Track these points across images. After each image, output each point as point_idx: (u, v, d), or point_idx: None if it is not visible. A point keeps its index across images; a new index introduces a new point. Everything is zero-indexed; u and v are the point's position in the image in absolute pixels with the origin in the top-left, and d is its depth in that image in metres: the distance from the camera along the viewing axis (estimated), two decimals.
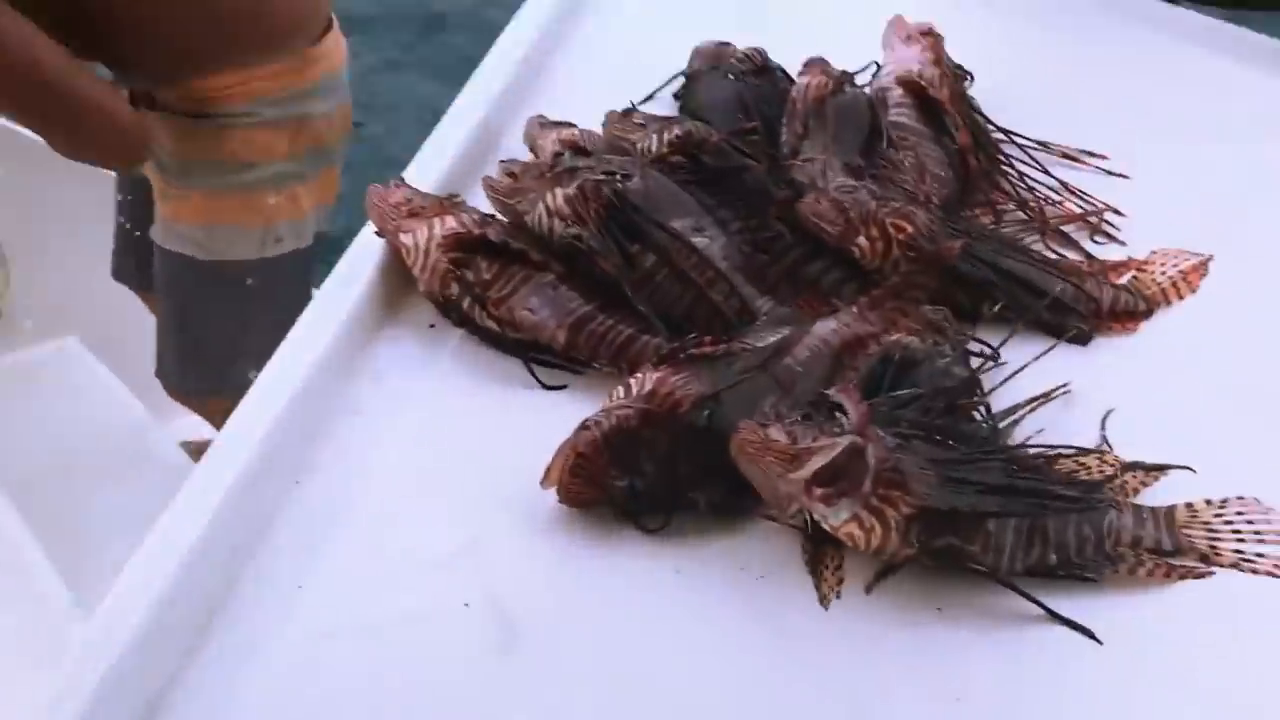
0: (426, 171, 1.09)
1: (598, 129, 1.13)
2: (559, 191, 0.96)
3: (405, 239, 0.96)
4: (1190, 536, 0.81)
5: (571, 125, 1.13)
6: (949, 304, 0.98)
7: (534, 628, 0.76)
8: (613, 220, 0.95)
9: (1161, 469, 0.85)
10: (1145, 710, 0.73)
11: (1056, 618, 0.77)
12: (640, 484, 0.81)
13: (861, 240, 0.98)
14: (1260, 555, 0.80)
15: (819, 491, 0.76)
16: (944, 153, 1.11)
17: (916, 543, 0.76)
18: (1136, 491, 0.85)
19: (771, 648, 0.76)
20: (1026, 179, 1.12)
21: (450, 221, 0.96)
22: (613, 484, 0.81)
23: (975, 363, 0.92)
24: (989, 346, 0.94)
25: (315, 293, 0.96)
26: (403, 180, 1.01)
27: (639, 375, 0.85)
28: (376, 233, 1.00)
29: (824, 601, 0.78)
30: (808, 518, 0.77)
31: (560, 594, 0.78)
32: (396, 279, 1.00)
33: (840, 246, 0.99)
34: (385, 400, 0.92)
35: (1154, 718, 0.73)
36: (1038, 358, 0.92)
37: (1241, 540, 0.81)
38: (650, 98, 1.25)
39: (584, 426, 0.81)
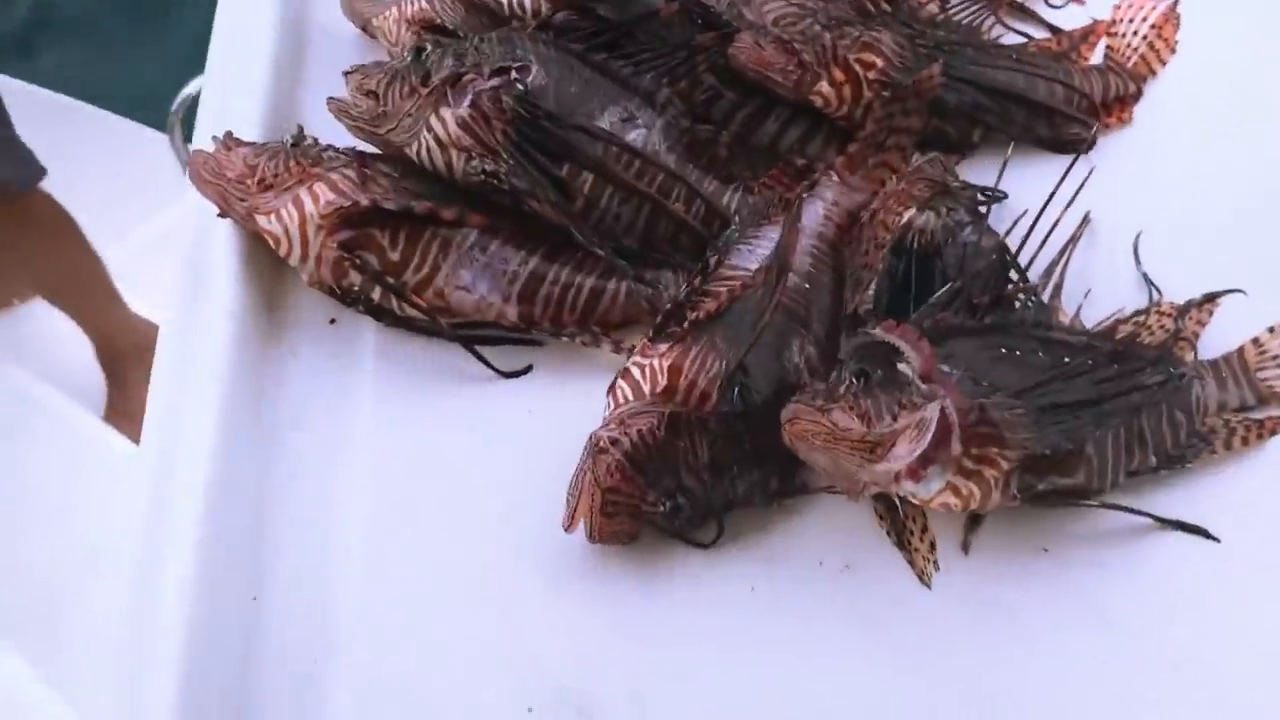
0: (234, 98, 0.82)
1: None
2: (448, 114, 0.74)
3: (269, 224, 0.73)
4: (1267, 380, 0.74)
5: None
6: (935, 140, 0.83)
7: (615, 710, 0.63)
8: (527, 139, 0.74)
9: (1213, 300, 0.76)
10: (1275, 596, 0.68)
11: (1168, 524, 0.69)
12: (685, 502, 0.66)
13: (824, 88, 0.80)
14: None
15: (906, 468, 0.64)
16: None
17: (1019, 493, 0.66)
18: (1197, 335, 0.76)
19: (890, 651, 0.65)
20: None
21: (323, 191, 0.72)
22: (653, 510, 0.66)
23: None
24: (995, 192, 0.80)
25: (161, 322, 0.73)
26: (234, 137, 0.75)
27: (643, 362, 0.68)
28: (220, 215, 0.75)
29: (924, 578, 0.67)
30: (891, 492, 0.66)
31: (628, 656, 0.65)
32: (265, 269, 0.77)
33: (797, 98, 0.81)
34: (312, 444, 0.72)
35: None
36: (1053, 198, 0.79)
37: None
38: None
39: (599, 448, 0.65)
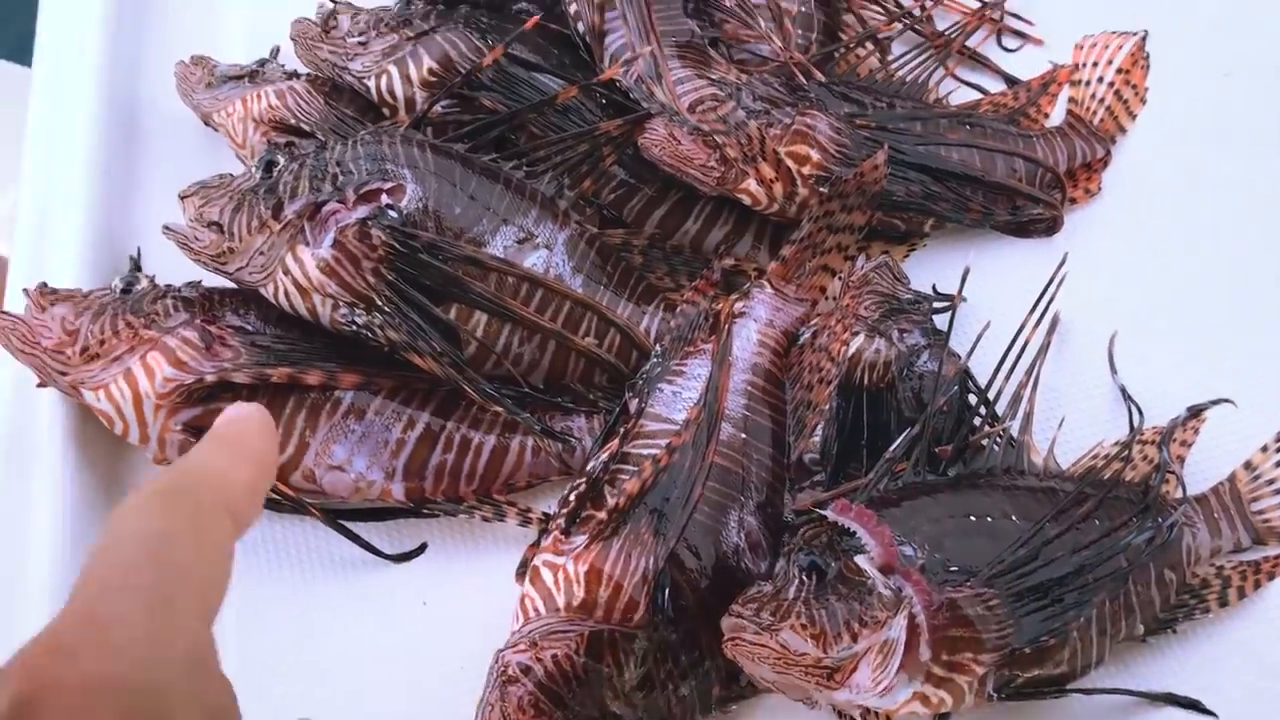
0: (49, 220, 0.69)
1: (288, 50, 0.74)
2: (306, 256, 0.61)
3: (97, 401, 0.60)
4: (1264, 515, 0.65)
5: (259, 74, 0.73)
6: (878, 234, 0.72)
7: None
8: (402, 278, 0.62)
9: (1199, 415, 0.67)
10: None
11: (1156, 698, 0.61)
12: None
13: (751, 185, 0.68)
14: None
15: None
16: None
17: (995, 692, 0.57)
18: (1183, 460, 0.67)
19: None
20: None
21: (159, 363, 0.60)
22: None
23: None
24: (942, 299, 0.70)
25: None
26: (49, 292, 0.62)
27: (555, 563, 0.57)
28: (40, 385, 0.63)
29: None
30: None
31: None
32: (103, 446, 0.65)
33: (721, 194, 0.69)
34: None
35: None
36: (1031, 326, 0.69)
37: None
38: None
39: (507, 677, 0.55)
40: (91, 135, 0.72)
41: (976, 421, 0.65)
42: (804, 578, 0.56)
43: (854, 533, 0.56)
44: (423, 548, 0.64)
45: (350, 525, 0.63)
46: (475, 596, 0.61)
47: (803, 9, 0.77)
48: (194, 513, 0.31)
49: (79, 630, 0.26)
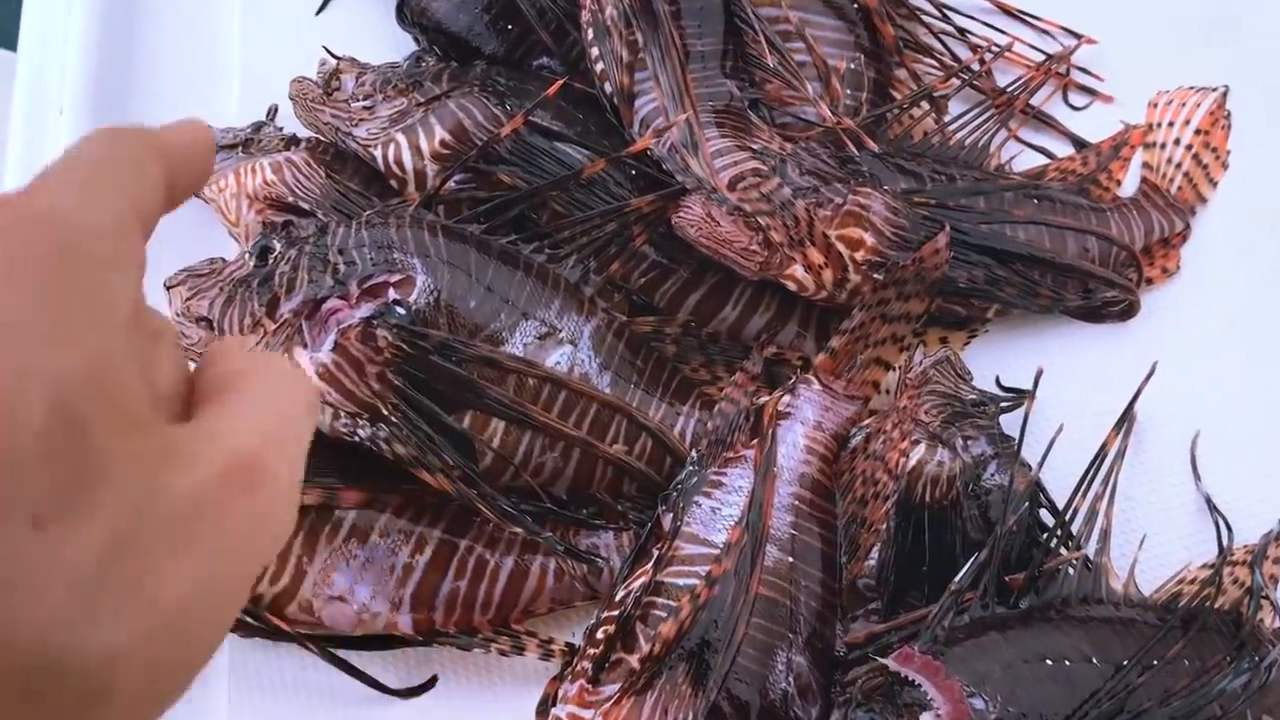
0: None
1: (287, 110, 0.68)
2: (304, 359, 0.55)
3: None
4: None
5: (254, 140, 0.67)
6: (936, 320, 0.65)
7: None
8: (411, 383, 0.56)
9: None
10: None
11: None
12: None
13: (797, 271, 0.61)
14: None
15: None
16: (841, 20, 0.71)
17: None
18: (1277, 580, 0.60)
19: None
20: (952, 19, 0.74)
21: None
22: None
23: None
24: (1011, 395, 0.63)
25: None
26: None
27: (582, 716, 0.51)
28: None
29: None
30: None
31: None
32: None
33: (765, 278, 0.63)
34: None
35: None
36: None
37: None
38: (325, 4, 0.77)
39: None
40: None
41: (1050, 540, 0.58)
42: None
43: (918, 684, 0.50)
44: (433, 681, 0.58)
45: (354, 653, 0.57)
46: None
47: (852, 66, 0.70)
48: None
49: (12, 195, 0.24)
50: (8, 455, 0.20)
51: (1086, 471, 0.59)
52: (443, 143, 0.63)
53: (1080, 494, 0.58)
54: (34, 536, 0.20)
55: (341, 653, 0.56)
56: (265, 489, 0.24)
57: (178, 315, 0.59)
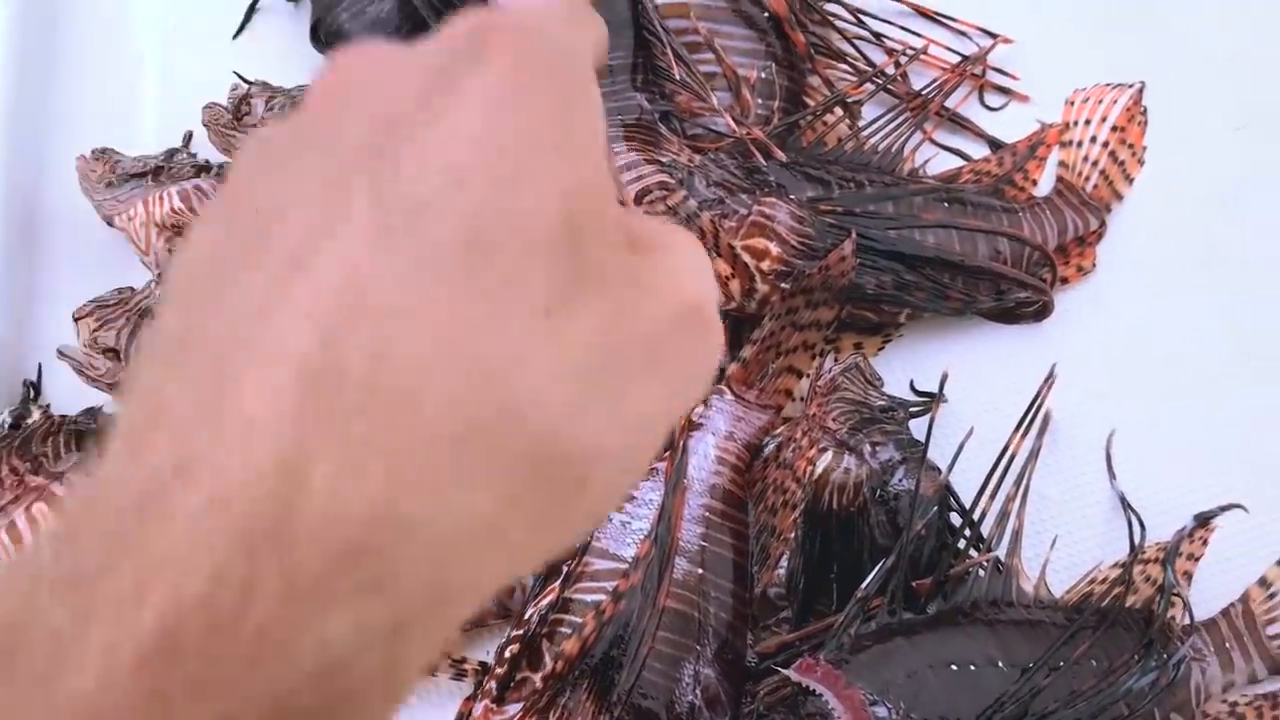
0: None
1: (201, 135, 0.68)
2: None
3: None
4: None
5: (165, 167, 0.67)
6: (848, 326, 0.66)
7: None
8: None
9: (1206, 524, 0.61)
10: None
11: None
12: None
13: None
14: None
15: None
16: (751, 29, 0.71)
17: None
18: (1190, 577, 0.61)
19: None
20: (866, 23, 0.74)
21: (43, 513, 0.54)
22: None
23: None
24: (921, 400, 0.63)
25: None
26: None
27: None
28: None
29: None
30: None
31: None
32: None
33: None
34: None
35: None
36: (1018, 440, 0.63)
37: None
38: (242, 28, 0.77)
39: None
40: None
41: (959, 543, 0.59)
42: None
43: (820, 694, 0.50)
44: None
45: None
46: None
47: (763, 75, 0.70)
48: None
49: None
50: (530, 246, 0.21)
51: (991, 472, 0.59)
52: None
53: (989, 496, 0.58)
54: (545, 324, 0.21)
55: None
56: (712, 335, 0.26)
57: (85, 347, 0.59)
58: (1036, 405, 0.60)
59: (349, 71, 0.24)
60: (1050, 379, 0.61)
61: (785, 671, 0.51)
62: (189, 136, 0.70)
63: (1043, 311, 0.67)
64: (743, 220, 0.62)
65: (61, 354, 0.59)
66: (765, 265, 0.62)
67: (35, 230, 0.69)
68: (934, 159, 0.72)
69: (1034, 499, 0.60)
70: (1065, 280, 0.68)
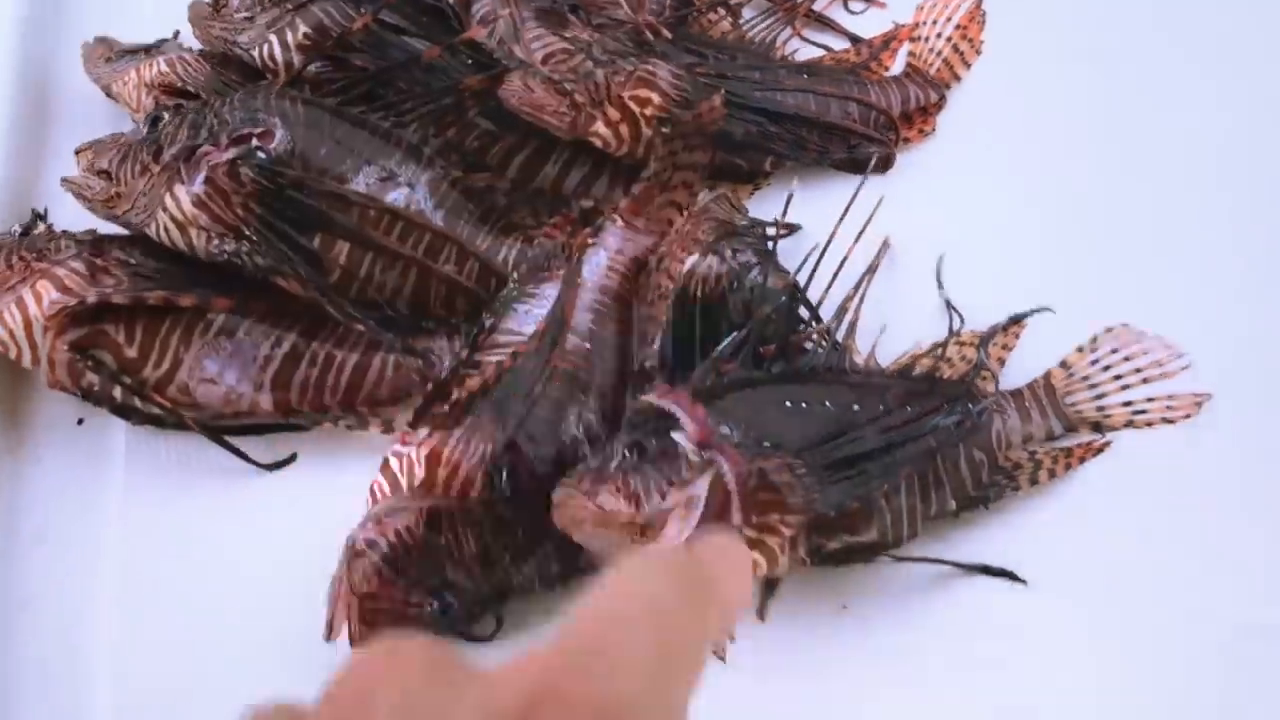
0: None
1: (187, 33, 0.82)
2: (182, 193, 0.68)
3: None
4: (1076, 406, 0.70)
5: (155, 49, 0.81)
6: (725, 172, 0.78)
7: None
8: (272, 211, 0.68)
9: (1019, 322, 0.73)
10: (1091, 634, 0.64)
11: (971, 569, 0.66)
12: (454, 599, 0.61)
13: (600, 128, 0.75)
14: (1149, 400, 0.71)
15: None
16: None
17: (808, 557, 0.62)
18: (1003, 363, 0.72)
19: None
20: None
21: (48, 289, 0.66)
22: (419, 611, 0.61)
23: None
24: (786, 227, 0.76)
25: None
26: None
27: (401, 451, 0.63)
28: None
29: (718, 652, 0.63)
30: None
31: None
32: (3, 373, 0.71)
33: (575, 137, 0.76)
34: (57, 561, 0.67)
35: (1101, 643, 0.64)
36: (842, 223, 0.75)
37: (1126, 386, 0.71)
38: None
39: (354, 552, 0.60)
40: (3, 108, 0.79)
41: (803, 329, 0.70)
42: (626, 453, 0.61)
43: (673, 413, 0.62)
44: (293, 457, 0.69)
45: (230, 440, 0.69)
46: (341, 498, 0.65)
47: None
48: (692, 599, 0.31)
49: (588, 656, 0.27)
50: None
51: (836, 273, 0.71)
52: (305, 35, 0.76)
53: (832, 288, 0.70)
54: None
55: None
56: None
57: (83, 172, 0.71)
58: (866, 222, 0.72)
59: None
60: (878, 203, 0.73)
61: (645, 397, 0.63)
62: (177, 34, 0.84)
63: (886, 164, 0.80)
64: (629, 75, 0.75)
65: (64, 180, 0.72)
66: (648, 112, 0.75)
67: (46, 107, 0.82)
68: (801, 50, 0.85)
69: (872, 305, 0.72)
70: (909, 140, 0.81)
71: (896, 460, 0.64)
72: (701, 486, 0.58)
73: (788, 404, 0.65)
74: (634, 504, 0.58)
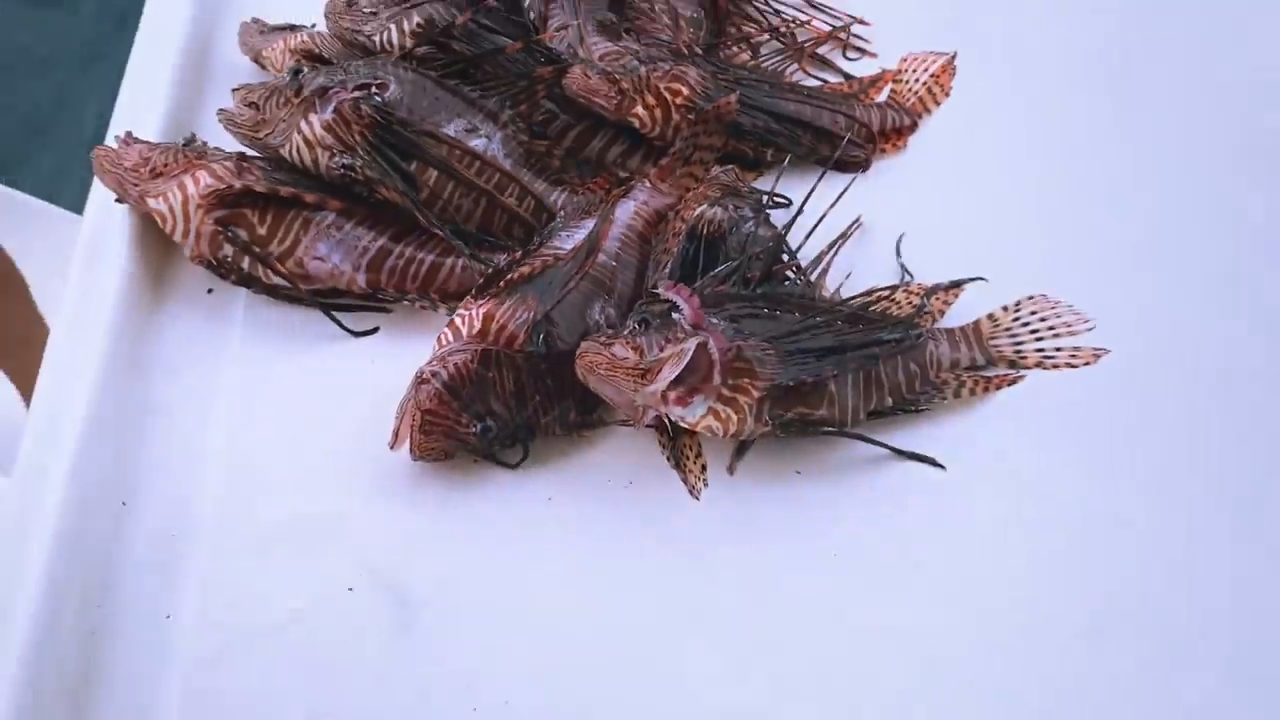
0: (142, 113, 0.97)
1: (322, 26, 1.03)
2: (315, 119, 0.88)
3: (157, 204, 0.86)
4: (997, 346, 0.88)
5: (297, 27, 1.03)
6: (734, 158, 0.98)
7: (425, 594, 0.75)
8: (381, 140, 0.88)
9: (959, 285, 0.91)
10: (993, 513, 0.80)
11: (902, 454, 0.82)
12: (494, 424, 0.79)
13: (639, 110, 0.95)
14: (1058, 349, 0.88)
15: (673, 395, 0.77)
16: None
17: (770, 419, 0.79)
18: (942, 312, 0.90)
19: (659, 548, 0.78)
20: (773, 3, 1.11)
21: (204, 176, 0.86)
22: (466, 432, 0.79)
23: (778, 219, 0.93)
24: (780, 198, 0.95)
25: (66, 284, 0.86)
26: (132, 136, 0.90)
27: (464, 313, 0.82)
28: (117, 200, 0.89)
29: (694, 492, 0.80)
30: (665, 420, 0.79)
31: (440, 552, 0.77)
32: (154, 247, 0.90)
33: (618, 119, 0.96)
34: (185, 389, 0.85)
35: (1002, 519, 0.80)
36: (833, 204, 0.94)
37: (1040, 339, 0.89)
38: None
39: (421, 379, 0.78)
40: (175, 73, 1.01)
41: (784, 268, 0.89)
42: (636, 325, 0.79)
43: (674, 303, 0.80)
44: (376, 329, 0.88)
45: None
46: (410, 360, 0.83)
47: (695, 15, 1.06)
48: None
49: None
50: None
51: (814, 228, 0.90)
52: (418, 25, 0.98)
53: (820, 256, 0.89)
54: None
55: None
56: None
57: (236, 105, 0.92)
58: (841, 192, 0.92)
59: None
60: (853, 179, 0.92)
61: (654, 290, 0.81)
62: (313, 25, 1.06)
63: (865, 165, 1.00)
64: (666, 73, 0.96)
65: (221, 111, 0.93)
66: (679, 101, 0.95)
67: (206, 67, 1.04)
68: (805, 83, 1.06)
69: (841, 265, 0.91)
70: (884, 151, 1.01)
71: (846, 358, 0.81)
72: (691, 344, 0.76)
73: (765, 310, 0.83)
74: (639, 353, 0.76)
